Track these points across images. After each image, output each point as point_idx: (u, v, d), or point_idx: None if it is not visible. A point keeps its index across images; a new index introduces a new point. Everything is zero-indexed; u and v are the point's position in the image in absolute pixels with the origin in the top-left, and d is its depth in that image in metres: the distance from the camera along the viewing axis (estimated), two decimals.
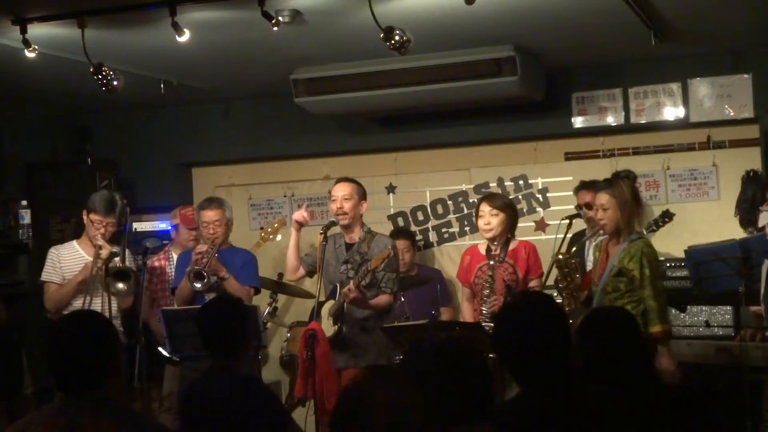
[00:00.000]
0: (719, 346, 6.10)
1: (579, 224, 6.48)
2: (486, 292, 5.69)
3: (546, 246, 6.51)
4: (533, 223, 7.52)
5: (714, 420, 3.38)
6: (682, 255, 6.18)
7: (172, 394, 6.51)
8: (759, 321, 5.80)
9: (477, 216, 5.90)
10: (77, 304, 6.02)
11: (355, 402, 2.46)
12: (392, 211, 7.92)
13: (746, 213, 6.60)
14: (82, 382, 3.01)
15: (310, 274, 5.98)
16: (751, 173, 6.79)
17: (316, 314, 5.67)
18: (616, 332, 3.57)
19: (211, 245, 5.98)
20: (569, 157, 7.60)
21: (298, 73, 6.85)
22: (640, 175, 6.38)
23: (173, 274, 6.58)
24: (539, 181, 7.57)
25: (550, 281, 5.74)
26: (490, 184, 7.67)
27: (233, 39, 5.87)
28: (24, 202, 7.24)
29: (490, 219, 5.77)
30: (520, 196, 7.54)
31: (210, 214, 6.10)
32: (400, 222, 7.86)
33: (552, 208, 7.45)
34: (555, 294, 5.63)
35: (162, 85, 7.03)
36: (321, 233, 5.73)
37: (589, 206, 6.28)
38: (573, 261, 5.62)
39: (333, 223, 5.77)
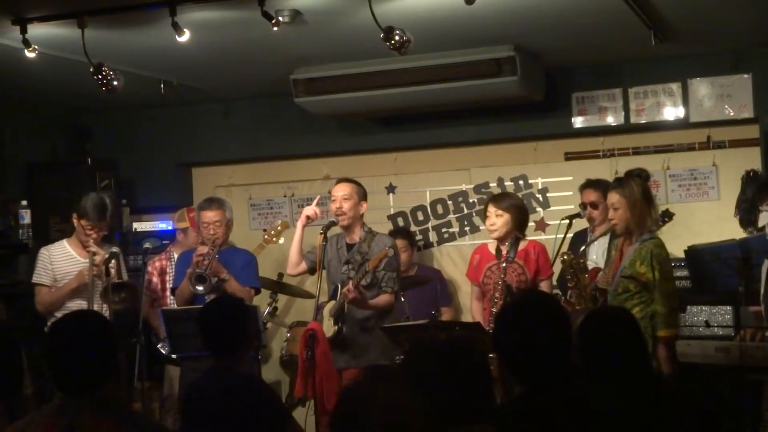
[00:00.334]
0: (719, 346, 6.10)
1: (579, 224, 6.48)
2: (497, 294, 5.65)
3: (546, 246, 6.49)
4: (533, 223, 7.48)
5: (713, 420, 3.39)
6: (682, 255, 6.18)
7: (172, 394, 6.51)
8: (759, 321, 5.80)
9: (485, 216, 5.91)
10: (70, 305, 6.03)
11: (355, 402, 2.46)
12: (392, 211, 7.92)
13: (746, 213, 6.59)
14: (82, 382, 3.01)
15: (311, 270, 5.97)
16: (751, 173, 6.79)
17: (316, 314, 5.66)
18: (616, 332, 3.57)
19: (212, 246, 5.98)
20: (569, 157, 7.59)
21: (298, 73, 6.85)
22: None
23: (174, 274, 6.58)
24: (539, 181, 7.57)
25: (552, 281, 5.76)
26: (490, 184, 7.67)
27: (233, 39, 5.87)
28: (24, 202, 7.24)
29: (495, 220, 5.78)
30: (520, 196, 7.53)
31: (210, 215, 6.09)
32: (400, 222, 7.86)
33: (552, 208, 7.45)
34: (558, 293, 5.64)
35: (162, 85, 7.03)
36: (321, 233, 5.74)
37: (594, 205, 6.27)
38: (581, 261, 5.62)
39: (333, 223, 5.77)
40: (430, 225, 7.86)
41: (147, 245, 6.64)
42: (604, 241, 6.17)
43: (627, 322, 3.68)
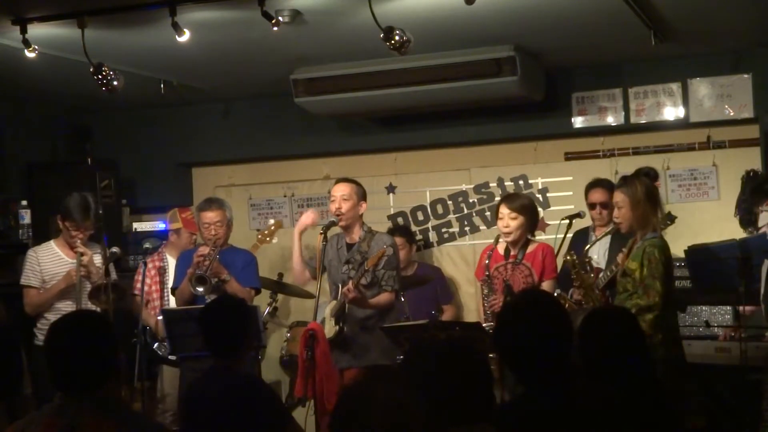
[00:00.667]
0: (719, 346, 6.11)
1: (579, 224, 6.48)
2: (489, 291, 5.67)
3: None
4: None
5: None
6: (682, 255, 6.18)
7: (169, 395, 6.50)
8: (748, 321, 5.84)
9: (496, 216, 5.88)
10: (58, 306, 6.03)
11: (355, 402, 2.46)
12: (392, 211, 7.92)
13: (746, 213, 6.59)
14: (82, 382, 3.01)
15: (314, 277, 5.96)
16: (751, 173, 6.79)
17: (316, 314, 5.66)
18: (616, 332, 3.57)
19: (213, 247, 5.97)
20: (569, 157, 7.60)
21: (298, 73, 6.85)
22: None
23: (167, 275, 6.57)
24: (539, 181, 7.57)
25: None
26: (490, 184, 7.67)
27: (233, 39, 5.87)
28: (24, 202, 7.25)
29: (509, 222, 5.75)
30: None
31: (210, 215, 6.09)
32: (401, 222, 7.85)
33: (552, 208, 7.45)
34: (560, 292, 5.64)
35: (162, 85, 7.03)
36: (321, 233, 5.73)
37: (604, 205, 6.26)
38: (586, 260, 5.62)
39: (333, 224, 5.76)
40: (430, 225, 7.86)
41: (147, 245, 6.65)
42: (605, 241, 6.17)
43: (627, 322, 3.69)
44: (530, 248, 5.79)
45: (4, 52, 5.70)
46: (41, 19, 5.20)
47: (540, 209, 7.50)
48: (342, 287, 5.65)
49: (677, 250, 6.24)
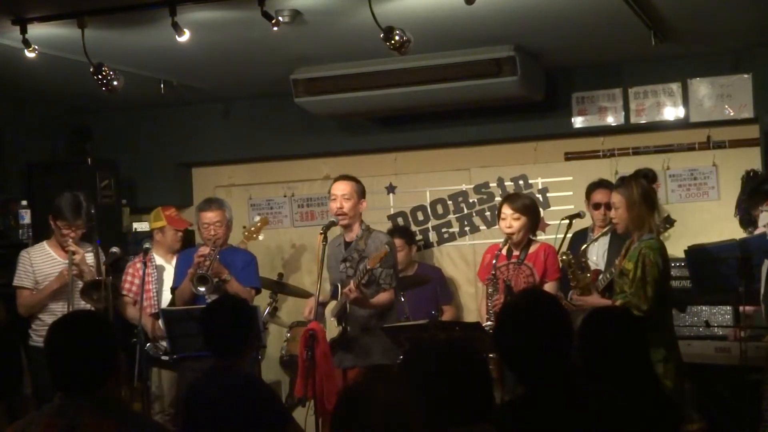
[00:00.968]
0: (719, 346, 6.11)
1: (579, 224, 6.48)
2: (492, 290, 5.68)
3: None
4: None
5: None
6: (682, 255, 6.18)
7: (161, 396, 6.49)
8: (749, 321, 5.83)
9: (499, 217, 5.88)
10: (52, 306, 6.02)
11: (355, 402, 2.46)
12: (392, 211, 7.92)
13: (746, 213, 6.59)
14: (81, 382, 3.01)
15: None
16: (751, 173, 6.79)
17: (316, 314, 5.66)
18: (616, 332, 3.57)
19: (213, 247, 5.97)
20: (569, 157, 7.60)
21: (298, 73, 6.85)
22: None
23: (155, 274, 6.55)
24: (539, 181, 7.57)
25: None
26: (490, 184, 7.68)
27: (233, 39, 5.87)
28: (24, 202, 7.24)
29: (512, 222, 5.73)
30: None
31: (210, 216, 6.09)
32: (401, 222, 7.85)
33: (552, 208, 7.45)
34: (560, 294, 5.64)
35: (162, 85, 7.03)
36: (321, 233, 5.73)
37: (609, 206, 6.25)
38: (583, 260, 5.62)
39: (333, 223, 5.75)
40: (430, 225, 7.86)
41: (147, 245, 6.63)
42: (604, 242, 6.17)
43: (627, 322, 3.69)
44: (532, 248, 5.78)
45: (4, 52, 5.70)
46: (41, 19, 5.19)
47: (540, 209, 7.52)
48: (342, 287, 5.65)
49: (677, 250, 6.25)
